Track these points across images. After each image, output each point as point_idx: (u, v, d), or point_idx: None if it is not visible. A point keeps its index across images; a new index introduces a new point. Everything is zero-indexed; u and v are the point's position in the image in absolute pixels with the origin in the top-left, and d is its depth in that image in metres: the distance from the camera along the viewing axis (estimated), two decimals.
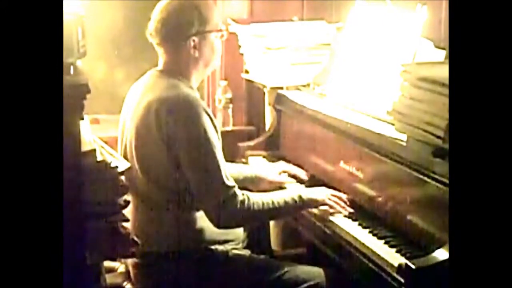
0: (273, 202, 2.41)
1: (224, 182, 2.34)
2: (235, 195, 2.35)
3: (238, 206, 2.34)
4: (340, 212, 2.46)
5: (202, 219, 2.43)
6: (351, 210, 2.48)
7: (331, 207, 2.48)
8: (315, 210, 2.52)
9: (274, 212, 2.44)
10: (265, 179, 2.79)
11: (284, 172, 2.85)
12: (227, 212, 2.34)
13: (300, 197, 2.46)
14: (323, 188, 2.58)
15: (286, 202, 2.43)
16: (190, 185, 2.37)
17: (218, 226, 2.40)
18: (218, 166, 2.35)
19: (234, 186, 2.37)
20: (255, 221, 2.65)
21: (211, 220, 2.39)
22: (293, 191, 2.53)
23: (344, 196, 2.53)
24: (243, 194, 2.37)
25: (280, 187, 2.78)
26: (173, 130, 2.35)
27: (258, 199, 2.39)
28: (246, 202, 2.36)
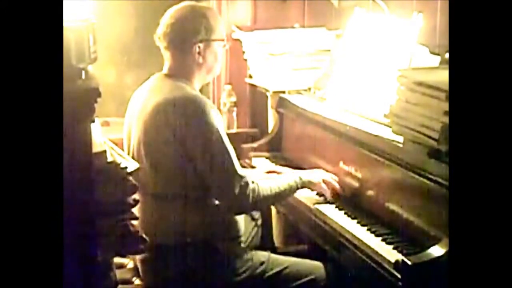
0: (278, 187, 2.50)
1: (237, 172, 2.40)
2: (247, 183, 2.40)
3: (251, 194, 2.40)
4: (328, 201, 2.57)
5: (208, 215, 2.44)
6: (332, 199, 2.57)
7: (322, 193, 2.60)
8: (304, 200, 2.61)
9: (280, 195, 2.53)
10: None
11: (272, 172, 2.84)
12: (242, 199, 2.40)
13: (300, 178, 2.57)
14: (320, 170, 2.67)
15: (289, 185, 2.54)
16: (205, 177, 2.40)
17: (233, 213, 2.49)
18: (230, 158, 2.40)
19: (245, 176, 2.41)
20: (264, 206, 2.78)
21: (225, 209, 2.45)
22: (295, 174, 2.62)
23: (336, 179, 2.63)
24: (253, 182, 2.43)
25: None
26: (184, 128, 2.37)
27: (266, 185, 2.47)
28: (256, 189, 2.42)
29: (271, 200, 2.55)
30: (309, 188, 2.61)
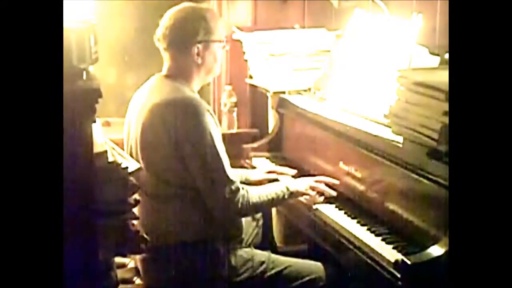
0: (266, 195, 2.50)
1: (228, 178, 2.40)
2: (237, 189, 2.41)
3: (240, 199, 2.41)
4: (320, 202, 2.56)
5: (208, 215, 2.44)
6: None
7: (311, 196, 2.57)
8: (302, 199, 2.60)
9: (268, 203, 2.53)
10: (251, 179, 2.81)
11: (272, 172, 2.85)
12: (231, 205, 2.40)
13: (287, 188, 2.56)
14: (307, 178, 2.65)
15: (277, 194, 2.53)
16: (196, 180, 2.40)
17: (221, 218, 2.47)
18: (222, 163, 2.40)
19: (236, 181, 2.42)
20: (252, 213, 2.75)
21: (215, 213, 2.44)
22: (282, 184, 2.61)
23: (327, 179, 2.62)
24: (243, 189, 2.43)
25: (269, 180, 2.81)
26: (179, 130, 2.37)
27: (255, 193, 2.47)
28: (246, 195, 2.43)
29: (259, 207, 2.54)
30: (298, 196, 2.59)
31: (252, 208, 2.50)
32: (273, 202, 2.54)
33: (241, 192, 2.42)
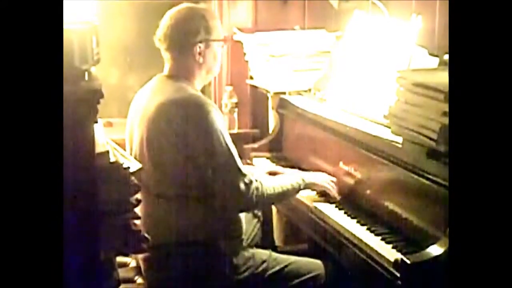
0: (281, 186, 2.50)
1: (240, 171, 2.39)
2: (250, 182, 2.40)
3: (254, 192, 2.40)
4: (328, 201, 2.56)
5: (210, 214, 2.44)
6: (338, 198, 2.58)
7: (326, 191, 2.59)
8: (304, 199, 2.61)
9: (282, 195, 2.53)
10: None
11: (273, 173, 2.85)
12: (245, 198, 2.39)
13: (303, 180, 2.57)
14: (323, 173, 2.66)
15: (292, 185, 2.53)
16: (208, 177, 2.39)
17: (236, 211, 2.49)
18: (233, 156, 2.40)
19: (248, 174, 2.41)
20: (267, 205, 2.78)
21: (229, 207, 2.44)
22: (297, 175, 2.61)
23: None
24: (256, 181, 2.42)
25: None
26: (187, 128, 2.37)
27: (269, 184, 2.46)
28: (260, 188, 2.42)
29: (273, 199, 2.55)
30: (312, 188, 2.62)
31: (267, 200, 2.50)
32: (288, 193, 2.53)
33: (255, 184, 2.40)
